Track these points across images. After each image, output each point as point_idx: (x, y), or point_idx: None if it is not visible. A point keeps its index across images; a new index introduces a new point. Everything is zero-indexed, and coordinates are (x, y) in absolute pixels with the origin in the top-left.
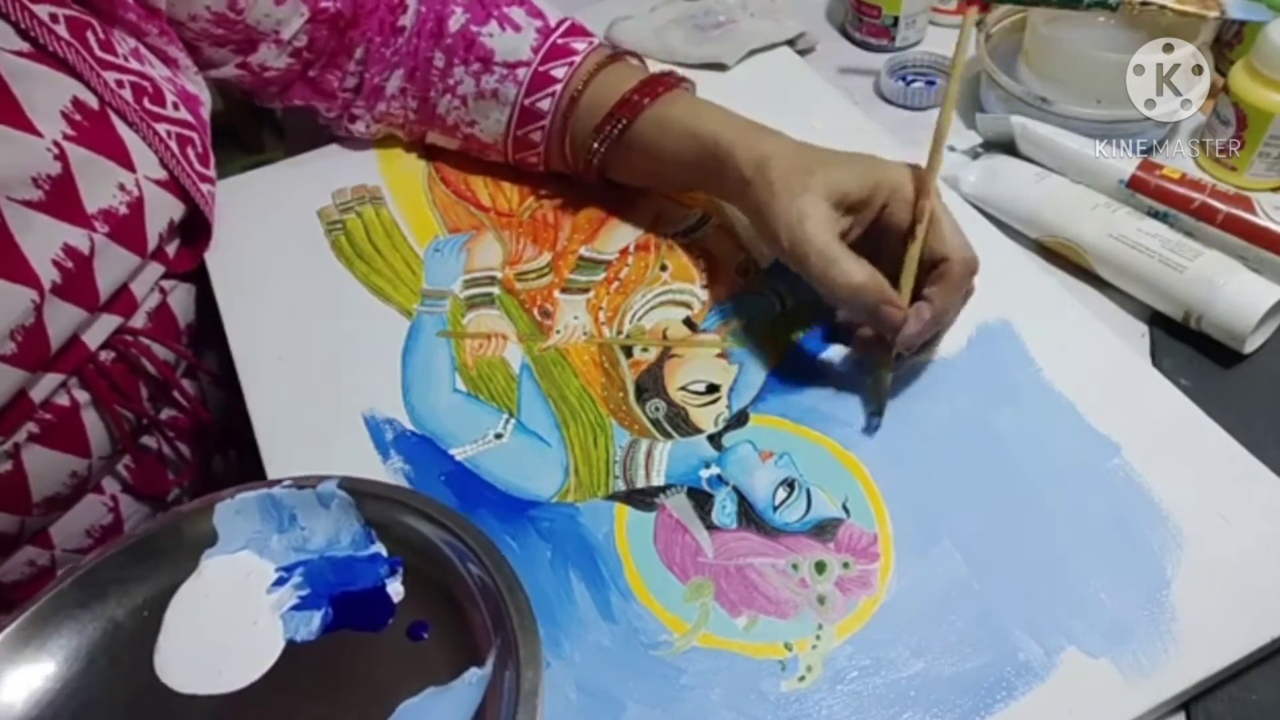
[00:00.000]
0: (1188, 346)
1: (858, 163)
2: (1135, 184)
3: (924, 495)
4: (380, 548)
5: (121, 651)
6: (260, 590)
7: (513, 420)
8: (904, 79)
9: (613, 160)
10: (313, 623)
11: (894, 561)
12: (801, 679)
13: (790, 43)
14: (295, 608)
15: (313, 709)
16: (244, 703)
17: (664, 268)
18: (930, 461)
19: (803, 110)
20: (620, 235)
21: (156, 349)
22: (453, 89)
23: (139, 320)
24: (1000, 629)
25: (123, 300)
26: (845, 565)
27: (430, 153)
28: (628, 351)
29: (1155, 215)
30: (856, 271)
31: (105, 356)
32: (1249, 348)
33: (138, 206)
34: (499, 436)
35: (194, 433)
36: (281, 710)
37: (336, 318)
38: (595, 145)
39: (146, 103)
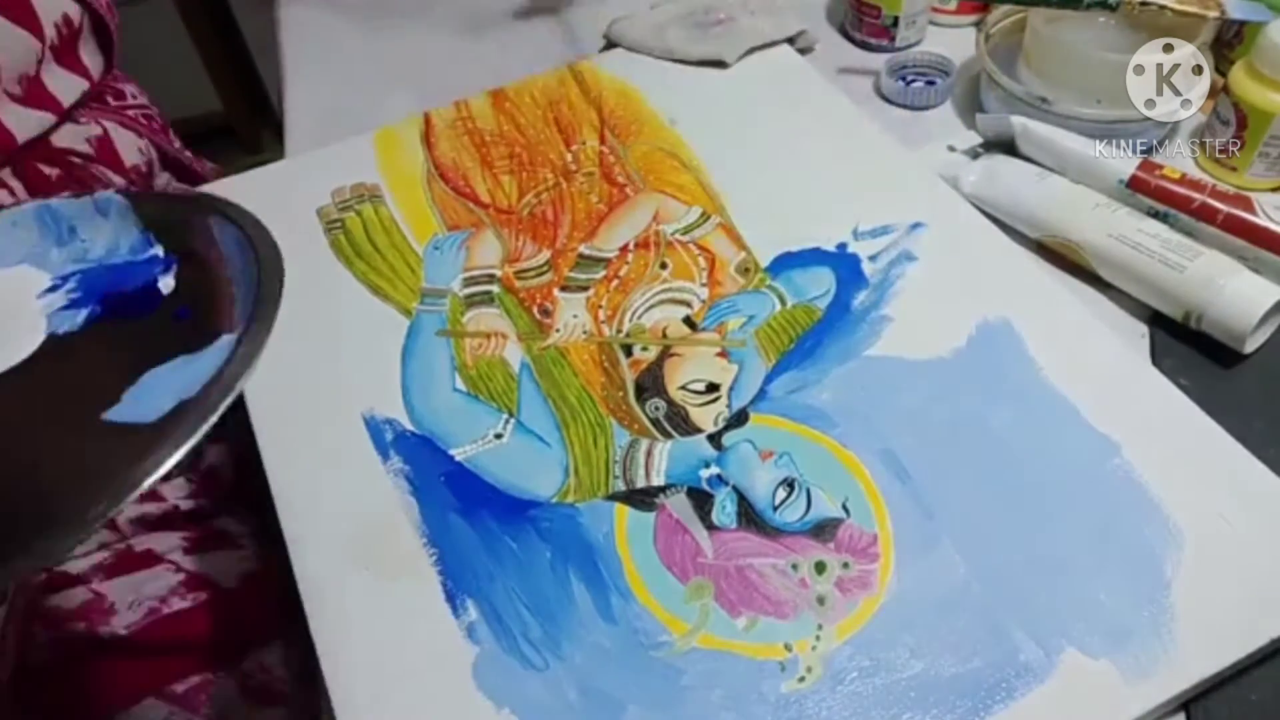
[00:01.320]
0: (1188, 346)
1: None
2: (1135, 184)
3: (924, 495)
4: (158, 250)
5: None
6: (30, 295)
7: (512, 420)
8: (904, 79)
9: None
10: (78, 318)
11: (894, 562)
12: (801, 680)
13: (790, 41)
14: (63, 308)
15: (64, 389)
16: None
17: (664, 266)
18: (930, 461)
19: (802, 109)
20: (620, 233)
21: (111, 177)
22: None
23: (80, 144)
24: (1000, 629)
25: (40, 96)
26: (845, 565)
27: (429, 148)
28: (627, 350)
29: (1155, 215)
30: None
31: (51, 173)
32: (1249, 348)
33: None
34: (499, 436)
35: None
36: (31, 392)
37: (336, 317)
38: None
39: None
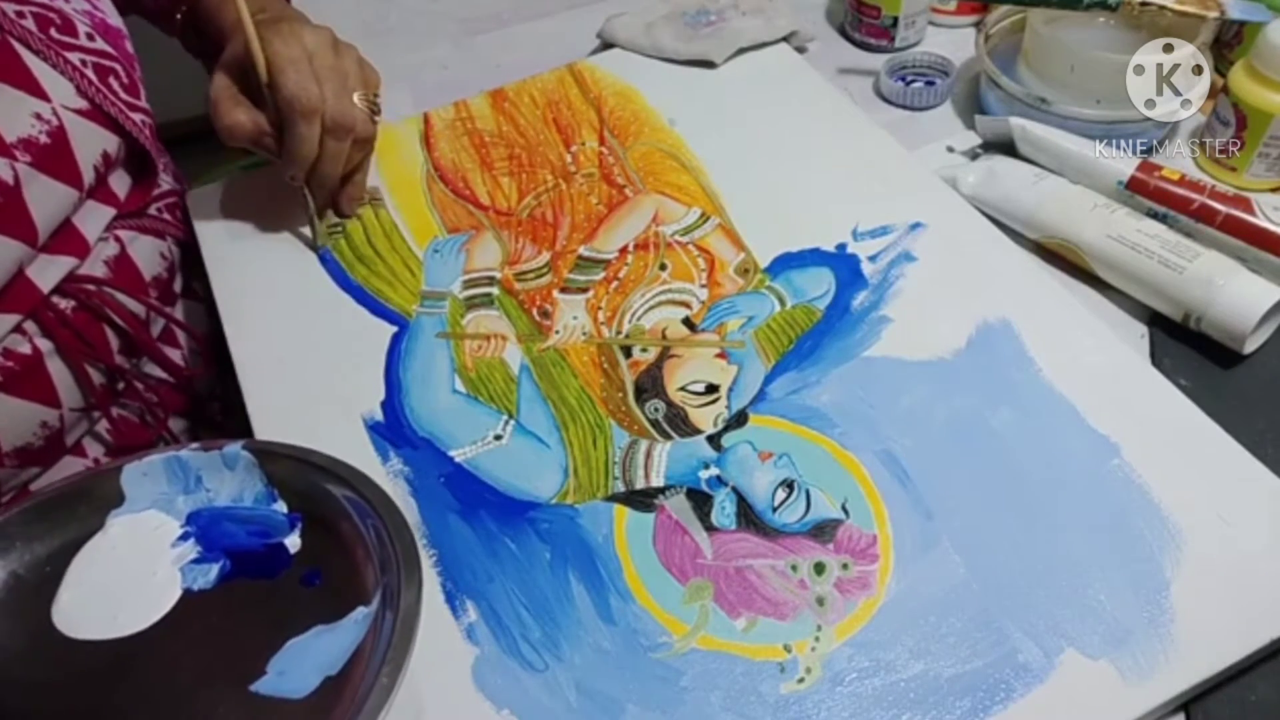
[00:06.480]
0: (1188, 346)
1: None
2: (1134, 185)
3: (923, 496)
4: (281, 505)
5: (21, 603)
6: (163, 545)
7: (512, 421)
8: (903, 79)
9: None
10: (210, 574)
11: (893, 563)
12: (801, 681)
13: (784, 40)
14: (194, 561)
15: (205, 652)
16: (139, 648)
17: (663, 267)
18: (930, 462)
19: (802, 110)
20: (619, 234)
21: (123, 300)
22: None
23: (97, 269)
24: (999, 630)
25: (70, 240)
26: (844, 566)
27: (429, 149)
28: (627, 352)
29: (1154, 216)
30: (235, 114)
31: (65, 305)
32: (1249, 348)
33: (60, 135)
34: (498, 438)
35: (175, 391)
36: (175, 654)
37: (336, 319)
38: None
39: (54, 32)
